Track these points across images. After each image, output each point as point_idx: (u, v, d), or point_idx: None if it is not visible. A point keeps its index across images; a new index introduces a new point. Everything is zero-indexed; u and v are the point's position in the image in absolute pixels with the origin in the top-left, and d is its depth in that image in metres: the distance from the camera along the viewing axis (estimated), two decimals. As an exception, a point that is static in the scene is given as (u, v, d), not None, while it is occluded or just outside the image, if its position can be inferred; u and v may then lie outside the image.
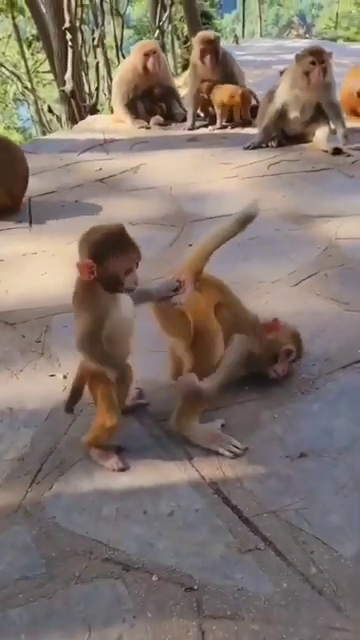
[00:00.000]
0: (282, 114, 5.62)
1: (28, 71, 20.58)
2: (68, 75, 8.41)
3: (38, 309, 3.56)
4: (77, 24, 8.97)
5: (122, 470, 2.45)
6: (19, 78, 21.54)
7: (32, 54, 22.03)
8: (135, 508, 2.29)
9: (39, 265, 4.07)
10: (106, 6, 15.44)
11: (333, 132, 5.63)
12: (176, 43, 19.63)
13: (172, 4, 16.45)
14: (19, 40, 20.23)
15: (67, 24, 8.10)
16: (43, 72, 20.54)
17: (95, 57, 11.71)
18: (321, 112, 5.60)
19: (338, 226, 4.17)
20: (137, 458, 2.50)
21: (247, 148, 5.75)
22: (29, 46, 21.98)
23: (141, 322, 2.44)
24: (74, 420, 2.73)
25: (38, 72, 21.60)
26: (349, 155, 5.34)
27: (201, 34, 6.73)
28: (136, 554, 2.12)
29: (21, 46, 20.45)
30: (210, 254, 2.62)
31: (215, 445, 2.51)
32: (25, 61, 20.51)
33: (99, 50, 11.83)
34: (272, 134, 5.76)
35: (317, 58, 5.25)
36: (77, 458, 2.53)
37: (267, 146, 5.79)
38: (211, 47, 6.36)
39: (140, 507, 2.29)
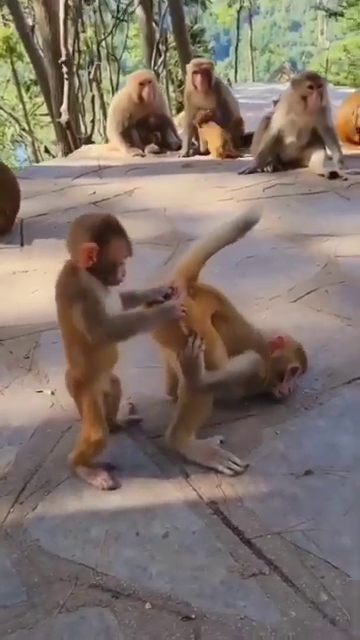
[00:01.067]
0: (278, 139, 5.59)
1: (26, 114, 20.93)
2: (64, 107, 8.44)
3: (27, 326, 3.40)
4: (73, 60, 9.04)
5: (112, 488, 2.25)
6: (17, 120, 21.89)
7: (30, 98, 22.46)
8: (126, 530, 2.09)
9: (29, 283, 3.93)
10: (103, 51, 15.84)
11: (329, 157, 5.59)
12: (170, 87, 20.05)
13: (167, 50, 16.81)
14: (17, 84, 20.64)
15: (63, 57, 8.15)
16: (41, 115, 20.86)
17: (91, 90, 11.82)
18: (317, 137, 5.57)
19: (337, 245, 4.07)
20: (129, 477, 2.31)
21: (242, 173, 5.69)
22: (27, 90, 22.42)
23: (133, 339, 2.29)
24: (61, 437, 2.55)
25: (35, 115, 21.97)
26: (346, 179, 5.29)
27: (195, 59, 6.76)
28: (127, 580, 1.91)
29: (19, 90, 20.85)
30: (206, 259, 2.48)
31: (213, 462, 2.32)
32: (23, 104, 20.89)
33: (94, 85, 11.95)
34: (268, 159, 5.72)
35: (314, 82, 5.25)
36: (64, 477, 2.34)
37: (262, 171, 5.74)
38: (203, 71, 6.35)
39: (132, 528, 2.09)
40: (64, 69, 8.25)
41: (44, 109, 16.87)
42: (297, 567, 1.91)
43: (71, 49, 8.93)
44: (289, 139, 5.56)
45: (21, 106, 21.05)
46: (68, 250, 2.16)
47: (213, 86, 6.45)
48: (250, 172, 5.68)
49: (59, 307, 2.20)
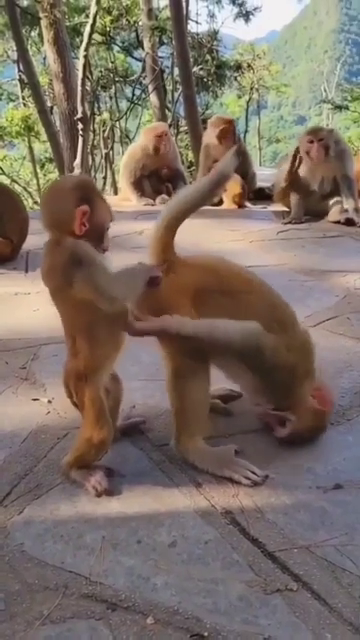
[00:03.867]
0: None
1: (39, 188, 21.51)
2: (77, 162, 8.55)
3: (26, 339, 3.18)
4: (88, 117, 9.30)
5: (107, 493, 1.95)
6: (30, 194, 22.49)
7: (44, 174, 23.18)
8: (127, 537, 1.78)
9: (31, 302, 3.74)
10: (117, 133, 16.48)
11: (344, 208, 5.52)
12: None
13: (178, 133, 17.37)
14: (33, 161, 21.37)
15: (79, 115, 8.35)
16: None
17: (106, 147, 12.10)
18: (336, 188, 5.53)
19: (356, 279, 3.89)
20: (131, 483, 2.02)
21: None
22: (42, 167, 23.17)
23: (139, 350, 2.07)
24: (56, 444, 2.27)
25: (49, 191, 22.57)
26: (360, 226, 5.20)
27: (219, 116, 6.87)
28: (126, 590, 1.59)
29: (34, 166, 21.54)
30: (180, 221, 2.16)
31: (228, 471, 2.03)
32: (37, 180, 21.51)
33: (109, 141, 12.25)
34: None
35: (314, 136, 5.33)
36: (57, 482, 2.05)
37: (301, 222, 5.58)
38: (231, 127, 6.46)
39: (133, 536, 1.78)
40: (79, 125, 8.42)
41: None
42: (330, 584, 1.59)
43: (88, 113, 9.17)
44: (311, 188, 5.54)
45: (35, 181, 21.68)
46: (47, 223, 1.94)
47: (232, 143, 6.54)
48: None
49: (55, 290, 1.97)
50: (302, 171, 5.55)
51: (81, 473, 2.02)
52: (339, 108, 29.95)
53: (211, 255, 2.28)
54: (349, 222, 5.25)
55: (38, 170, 22.51)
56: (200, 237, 5.03)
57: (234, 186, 6.41)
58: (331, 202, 5.48)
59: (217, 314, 2.07)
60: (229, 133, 6.42)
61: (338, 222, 5.31)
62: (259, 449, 2.18)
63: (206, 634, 1.45)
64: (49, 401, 2.57)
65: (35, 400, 2.59)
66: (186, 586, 1.59)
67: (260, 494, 1.94)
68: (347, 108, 29.49)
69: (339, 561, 1.67)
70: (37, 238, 5.12)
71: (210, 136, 6.63)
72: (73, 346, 2.01)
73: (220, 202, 6.64)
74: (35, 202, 22.21)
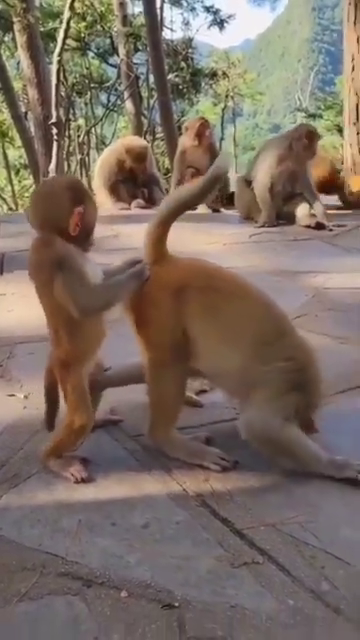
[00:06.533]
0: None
1: (14, 194, 21.42)
2: (52, 166, 8.61)
3: (1, 338, 3.23)
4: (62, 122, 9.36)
5: (85, 481, 2.03)
6: (5, 201, 22.36)
7: (19, 181, 23.07)
8: (102, 520, 1.86)
9: (6, 304, 3.80)
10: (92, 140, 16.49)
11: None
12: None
13: (154, 139, 17.47)
14: (7, 167, 21.28)
15: (54, 119, 8.41)
16: (28, 197, 21.32)
17: (82, 153, 12.16)
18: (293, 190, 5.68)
19: (325, 279, 4.03)
20: (106, 471, 2.10)
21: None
22: (17, 173, 23.08)
23: (116, 341, 2.16)
24: (33, 436, 2.33)
25: (24, 196, 22.52)
26: (331, 229, 5.35)
27: (193, 118, 6.97)
28: (101, 568, 1.67)
29: (9, 173, 21.45)
30: (175, 217, 2.19)
31: (198, 458, 2.12)
32: (12, 186, 21.42)
33: (84, 147, 12.30)
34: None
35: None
36: (34, 471, 2.12)
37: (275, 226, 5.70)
38: (207, 124, 6.56)
39: (108, 519, 1.86)
40: (54, 130, 8.48)
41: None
42: (294, 557, 1.69)
43: (63, 118, 9.23)
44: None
45: (10, 188, 21.59)
46: (39, 223, 2.03)
47: (209, 145, 6.65)
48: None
49: (39, 286, 2.06)
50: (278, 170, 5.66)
51: (59, 463, 2.09)
52: (313, 116, 30.37)
53: (203, 258, 2.29)
54: (319, 226, 5.40)
55: (13, 177, 22.44)
56: (174, 240, 5.12)
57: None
58: (299, 207, 5.61)
59: (206, 317, 2.09)
60: (206, 129, 6.51)
61: (309, 226, 5.45)
62: (229, 438, 2.26)
63: (177, 604, 1.54)
64: (25, 397, 2.63)
65: (11, 396, 2.65)
66: (158, 563, 1.68)
67: (230, 479, 2.04)
68: (321, 117, 29.93)
69: (303, 536, 1.76)
70: (12, 241, 5.19)
71: (186, 140, 6.73)
72: (56, 337, 2.08)
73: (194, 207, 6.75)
74: (10, 208, 22.11)
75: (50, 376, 2.14)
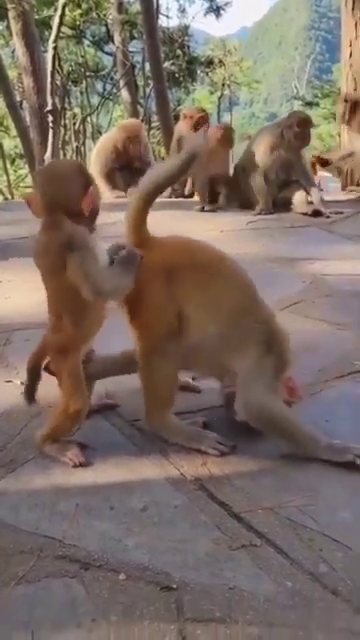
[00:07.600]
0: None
1: (9, 184, 21.28)
2: (48, 155, 8.55)
3: (-1, 325, 3.22)
4: (58, 110, 9.29)
5: (83, 465, 2.02)
6: (0, 190, 22.24)
7: (15, 170, 22.94)
8: (100, 504, 1.86)
9: (3, 291, 3.78)
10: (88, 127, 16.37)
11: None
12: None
13: (150, 129, 17.29)
14: (3, 157, 21.15)
15: (49, 107, 8.34)
16: (24, 187, 21.22)
17: (77, 141, 12.09)
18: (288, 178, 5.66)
19: (323, 266, 4.02)
20: (104, 455, 2.10)
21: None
22: (12, 163, 22.94)
23: (114, 328, 2.14)
24: (29, 422, 2.32)
25: (19, 186, 22.39)
26: (328, 216, 5.33)
27: (193, 107, 6.88)
28: (98, 551, 1.67)
29: (4, 162, 21.34)
30: (153, 198, 2.18)
31: (196, 442, 2.11)
32: (7, 175, 21.30)
33: (80, 136, 12.23)
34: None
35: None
36: (31, 457, 2.12)
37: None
38: (206, 117, 6.50)
39: (106, 503, 1.86)
40: (50, 118, 8.42)
41: (28, 181, 17.22)
42: (292, 540, 1.69)
43: (59, 106, 9.17)
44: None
45: (5, 177, 21.46)
46: (49, 205, 2.00)
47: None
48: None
49: (46, 268, 2.03)
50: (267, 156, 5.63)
51: (56, 447, 2.08)
52: (310, 105, 30.24)
53: (187, 237, 2.30)
54: (316, 213, 5.38)
55: (8, 166, 22.32)
56: (173, 228, 5.08)
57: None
58: (295, 194, 5.59)
59: (198, 294, 2.09)
60: (204, 123, 6.46)
61: (306, 214, 5.44)
62: (227, 422, 2.26)
63: (175, 586, 1.54)
64: (22, 383, 2.59)
65: (8, 382, 2.64)
66: (156, 545, 1.68)
67: (228, 463, 2.04)
68: (317, 105, 29.80)
69: (301, 520, 1.76)
70: (8, 229, 5.16)
71: (183, 127, 6.67)
72: (58, 322, 2.06)
73: (192, 194, 6.71)
74: (5, 198, 22.02)
75: (35, 359, 2.14)
